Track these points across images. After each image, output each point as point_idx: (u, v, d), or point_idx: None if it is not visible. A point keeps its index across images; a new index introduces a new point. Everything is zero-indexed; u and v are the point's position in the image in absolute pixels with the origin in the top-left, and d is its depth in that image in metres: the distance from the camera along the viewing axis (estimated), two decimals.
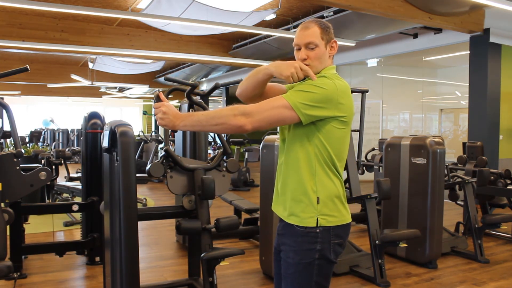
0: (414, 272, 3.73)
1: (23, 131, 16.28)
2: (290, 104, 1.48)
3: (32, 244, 3.98)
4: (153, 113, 22.58)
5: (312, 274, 1.54)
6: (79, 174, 6.12)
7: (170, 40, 9.67)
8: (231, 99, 16.15)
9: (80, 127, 6.11)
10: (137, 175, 2.70)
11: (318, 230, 1.54)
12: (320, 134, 1.53)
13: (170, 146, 3.26)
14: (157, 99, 1.59)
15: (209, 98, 18.35)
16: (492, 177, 4.68)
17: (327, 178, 1.56)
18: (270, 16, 8.01)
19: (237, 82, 3.58)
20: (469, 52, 7.11)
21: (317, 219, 1.53)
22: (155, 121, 22.90)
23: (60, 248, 3.68)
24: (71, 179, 6.28)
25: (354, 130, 3.64)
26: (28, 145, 12.17)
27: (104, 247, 2.65)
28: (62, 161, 5.26)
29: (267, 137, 3.45)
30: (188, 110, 3.30)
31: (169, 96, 3.16)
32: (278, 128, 1.77)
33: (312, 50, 1.60)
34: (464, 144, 5.36)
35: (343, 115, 1.54)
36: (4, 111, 3.14)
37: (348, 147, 1.64)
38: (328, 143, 1.54)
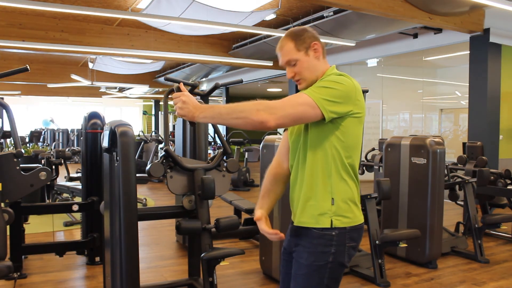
0: (414, 272, 3.73)
1: (23, 131, 16.28)
2: (314, 101, 1.45)
3: (32, 244, 3.98)
4: (151, 114, 22.41)
5: (324, 277, 1.53)
6: (79, 174, 6.12)
7: (170, 40, 9.67)
8: (231, 99, 16.15)
9: (80, 127, 6.10)
10: (137, 175, 2.70)
11: (334, 233, 1.52)
12: (338, 132, 1.52)
13: (170, 146, 3.26)
14: (178, 89, 1.55)
15: (209, 98, 18.35)
16: (492, 177, 4.67)
17: (342, 180, 1.54)
18: (270, 16, 8.01)
19: (237, 82, 3.59)
20: (469, 52, 7.11)
21: (332, 220, 1.52)
22: (156, 121, 22.87)
23: (60, 248, 3.68)
24: (71, 179, 6.27)
25: None
26: (28, 145, 12.18)
27: (104, 247, 2.65)
28: (62, 161, 5.27)
29: (267, 137, 3.45)
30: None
31: (169, 96, 3.16)
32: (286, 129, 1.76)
33: (294, 66, 1.59)
34: (464, 144, 5.36)
35: (359, 112, 1.53)
36: (4, 111, 3.14)
37: (361, 147, 1.64)
38: (346, 141, 1.53)
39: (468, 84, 7.18)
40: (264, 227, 1.65)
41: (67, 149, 6.56)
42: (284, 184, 1.76)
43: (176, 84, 1.69)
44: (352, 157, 1.56)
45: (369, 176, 6.21)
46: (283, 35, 1.65)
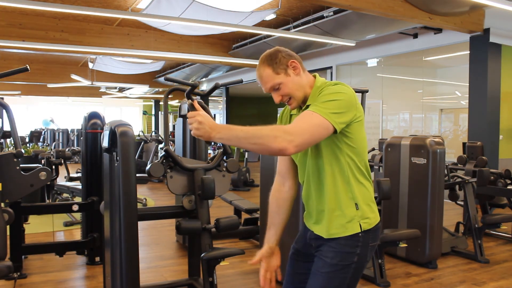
0: (414, 272, 3.73)
1: (23, 131, 16.29)
2: (325, 118, 1.45)
3: (32, 244, 3.98)
4: (151, 114, 22.42)
5: (347, 277, 1.56)
6: (79, 174, 6.12)
7: (170, 40, 9.68)
8: (231, 99, 16.16)
9: (80, 127, 6.11)
10: (137, 175, 2.69)
11: (360, 234, 1.56)
12: (347, 140, 1.54)
13: (170, 146, 3.25)
14: (192, 107, 1.52)
15: (209, 98, 18.37)
16: (492, 177, 4.67)
17: (360, 184, 1.58)
18: (270, 16, 8.01)
19: (237, 82, 3.59)
20: (469, 52, 7.11)
21: (360, 224, 1.56)
22: (156, 121, 22.87)
23: (60, 248, 3.68)
24: (71, 179, 6.28)
25: None
26: (28, 145, 12.17)
27: (104, 247, 2.65)
28: (62, 161, 5.26)
29: None
30: (188, 111, 3.30)
31: (169, 96, 3.16)
32: None
33: (279, 90, 1.59)
34: (464, 144, 5.36)
35: (360, 115, 1.56)
36: (4, 111, 3.14)
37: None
38: (356, 146, 1.56)
39: (468, 84, 7.18)
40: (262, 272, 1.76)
41: (67, 149, 6.56)
42: (288, 207, 1.80)
43: (190, 101, 1.62)
44: (364, 159, 1.60)
45: None
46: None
